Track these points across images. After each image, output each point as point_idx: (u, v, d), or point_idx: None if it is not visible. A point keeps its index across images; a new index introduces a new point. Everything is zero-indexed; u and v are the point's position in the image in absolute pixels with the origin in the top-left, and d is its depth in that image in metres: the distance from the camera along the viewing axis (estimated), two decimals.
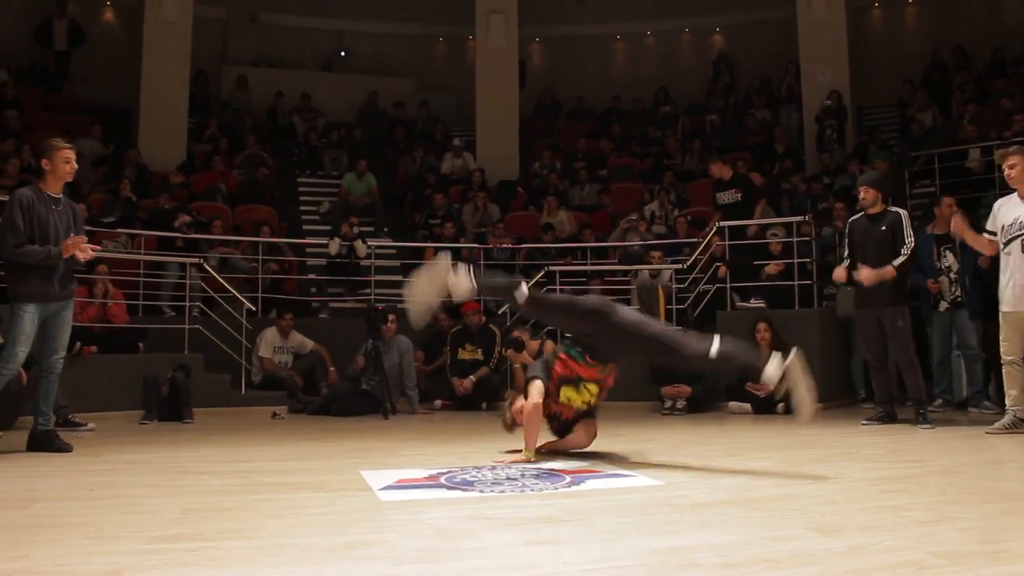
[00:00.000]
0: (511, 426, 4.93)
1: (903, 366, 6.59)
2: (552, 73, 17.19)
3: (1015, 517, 3.07)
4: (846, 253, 6.86)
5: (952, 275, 7.58)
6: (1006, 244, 5.72)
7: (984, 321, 7.49)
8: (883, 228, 6.55)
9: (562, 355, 4.74)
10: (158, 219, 9.99)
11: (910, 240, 6.47)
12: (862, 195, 6.75)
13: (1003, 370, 5.86)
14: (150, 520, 3.09)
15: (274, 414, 7.88)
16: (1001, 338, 5.82)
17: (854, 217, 6.97)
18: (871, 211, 6.69)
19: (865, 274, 6.45)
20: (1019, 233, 5.63)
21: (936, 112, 12.69)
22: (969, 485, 3.80)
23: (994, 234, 5.85)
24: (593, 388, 4.76)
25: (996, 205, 5.94)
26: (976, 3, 15.02)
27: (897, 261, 6.42)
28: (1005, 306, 5.74)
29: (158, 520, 3.09)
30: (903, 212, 6.66)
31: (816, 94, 13.36)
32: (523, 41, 15.40)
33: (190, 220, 9.89)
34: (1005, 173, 5.79)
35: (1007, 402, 5.84)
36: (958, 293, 7.56)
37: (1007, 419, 5.78)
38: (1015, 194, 5.79)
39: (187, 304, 8.62)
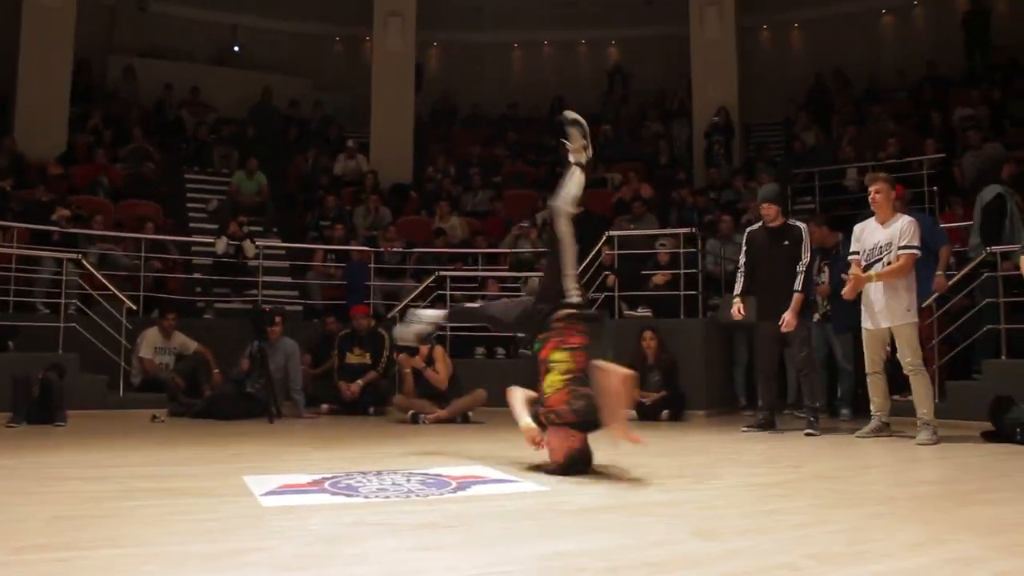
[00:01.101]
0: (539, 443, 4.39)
1: (804, 372, 6.81)
2: (449, 78, 17.20)
3: (880, 519, 3.22)
4: (742, 261, 7.04)
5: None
6: (867, 267, 6.14)
7: (854, 334, 7.85)
8: (786, 243, 6.74)
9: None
10: (33, 211, 9.54)
11: (806, 256, 6.68)
12: (764, 210, 6.93)
13: (868, 380, 6.31)
14: (15, 529, 2.94)
15: (154, 417, 7.62)
16: (865, 353, 6.25)
17: (753, 228, 7.14)
18: (771, 225, 6.90)
19: (789, 320, 6.56)
20: (878, 257, 6.10)
21: (818, 132, 13.23)
22: (841, 489, 3.96)
23: (856, 253, 6.28)
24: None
25: (858, 228, 6.36)
26: (854, 33, 15.78)
27: (798, 285, 6.61)
28: (866, 323, 6.17)
29: (23, 529, 2.94)
30: (804, 227, 6.84)
31: (706, 109, 13.76)
32: (421, 45, 15.37)
33: (69, 214, 9.47)
34: (870, 196, 6.19)
35: (872, 408, 6.23)
36: (828, 307, 7.91)
37: (873, 424, 6.19)
38: (873, 219, 6.23)
39: (63, 301, 8.26)
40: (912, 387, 5.96)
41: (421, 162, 14.23)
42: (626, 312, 9.14)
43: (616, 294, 9.09)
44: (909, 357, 5.92)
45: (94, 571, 2.41)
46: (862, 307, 6.17)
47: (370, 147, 14.06)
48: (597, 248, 9.35)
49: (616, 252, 9.31)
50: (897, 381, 6.41)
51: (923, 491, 4.07)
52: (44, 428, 6.79)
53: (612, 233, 9.49)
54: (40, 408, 7.05)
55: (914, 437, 5.87)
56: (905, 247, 5.96)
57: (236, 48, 16.65)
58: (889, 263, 5.99)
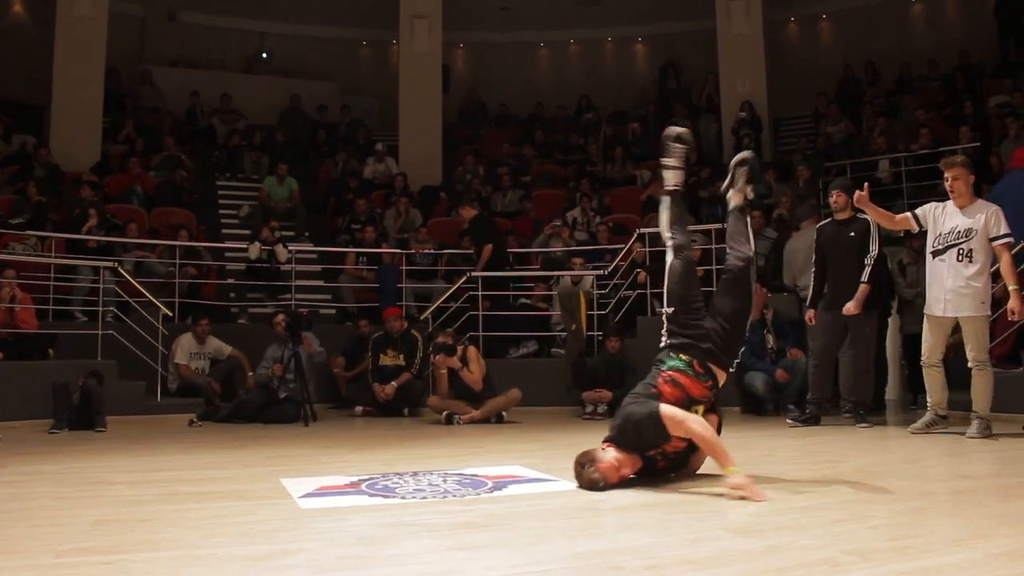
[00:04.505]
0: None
1: (860, 369, 6.78)
2: (476, 79, 17.23)
3: (922, 514, 3.18)
4: (813, 259, 7.00)
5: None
6: (941, 250, 5.90)
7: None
8: (852, 234, 6.72)
9: (668, 373, 3.96)
10: (70, 222, 9.69)
11: (874, 250, 6.65)
12: (833, 199, 6.90)
13: (924, 372, 6.11)
14: (60, 533, 2.99)
15: (191, 422, 7.69)
16: (924, 341, 6.04)
17: (823, 223, 7.12)
18: (839, 216, 6.87)
19: (850, 307, 6.58)
20: (956, 242, 5.82)
21: (848, 124, 13.10)
22: (880, 484, 3.91)
23: (917, 221, 6.05)
24: (701, 410, 3.99)
25: (933, 205, 6.07)
26: (885, 23, 15.59)
27: (865, 276, 6.60)
28: (933, 311, 5.94)
29: (68, 533, 2.99)
30: (872, 219, 6.82)
31: (735, 104, 13.67)
32: (447, 47, 15.39)
33: (95, 223, 9.54)
34: (948, 184, 5.93)
35: (928, 401, 6.07)
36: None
37: (928, 417, 6.04)
38: (951, 202, 5.96)
39: (100, 309, 8.37)
40: (973, 382, 5.82)
41: (450, 163, 14.26)
42: (659, 309, 9.07)
43: (648, 291, 9.05)
44: (975, 352, 5.76)
45: (138, 574, 2.45)
46: (927, 291, 6.00)
47: (399, 150, 14.11)
48: (628, 245, 9.34)
49: (647, 249, 9.28)
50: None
51: (964, 486, 4.02)
52: (85, 434, 6.89)
53: (643, 230, 9.46)
54: (80, 414, 7.15)
55: (964, 432, 5.79)
56: (1002, 236, 5.71)
57: (264, 55, 16.79)
58: (970, 250, 5.75)
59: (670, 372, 3.96)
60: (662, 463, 3.89)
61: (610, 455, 3.79)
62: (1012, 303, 5.65)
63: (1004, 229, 5.72)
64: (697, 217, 11.03)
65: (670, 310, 4.23)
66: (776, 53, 14.93)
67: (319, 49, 16.85)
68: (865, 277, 6.60)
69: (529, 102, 16.60)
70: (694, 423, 3.76)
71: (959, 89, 13.02)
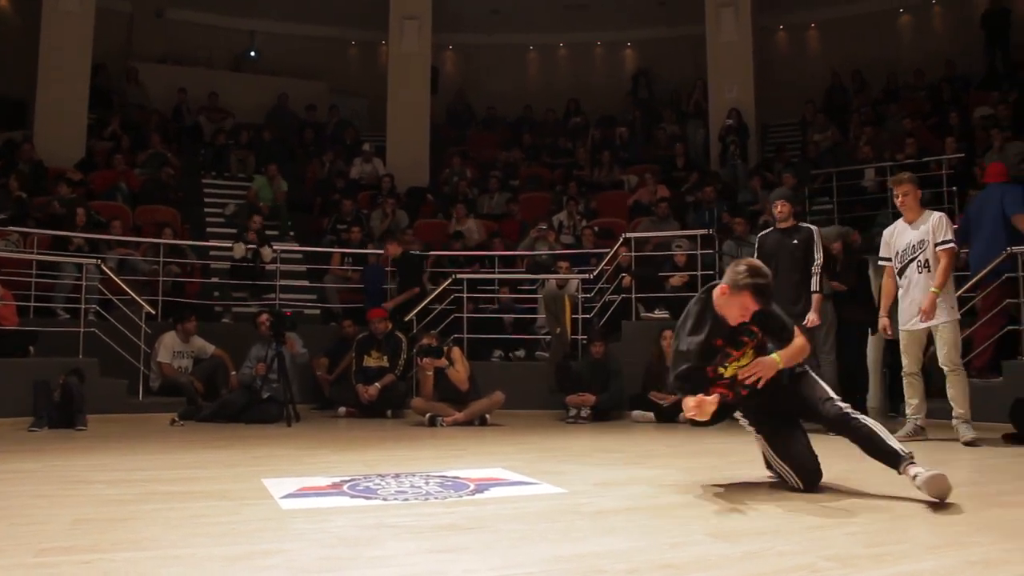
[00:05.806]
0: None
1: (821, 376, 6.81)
2: (464, 81, 17.24)
3: (900, 521, 3.21)
4: None
5: None
6: (903, 269, 6.05)
7: None
8: (795, 242, 6.75)
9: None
10: (53, 218, 9.64)
11: (819, 256, 6.70)
12: (777, 209, 6.94)
13: (904, 381, 6.20)
14: (39, 532, 2.97)
15: (173, 421, 7.64)
16: (903, 355, 6.14)
17: (764, 232, 7.15)
18: (782, 225, 6.90)
19: (812, 318, 6.60)
20: (913, 255, 5.98)
21: (835, 132, 13.18)
22: (859, 491, 3.94)
23: (888, 260, 6.19)
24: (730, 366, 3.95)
25: (887, 233, 6.27)
26: (873, 33, 15.69)
27: (815, 285, 6.64)
28: (906, 324, 6.05)
29: (48, 532, 2.98)
30: (815, 228, 6.88)
31: (723, 111, 13.72)
32: (436, 48, 15.40)
33: (83, 221, 9.49)
34: (898, 200, 6.11)
35: (908, 411, 6.14)
36: None
37: (909, 427, 6.09)
38: (901, 220, 6.16)
39: (82, 306, 8.32)
40: (949, 385, 5.90)
41: (437, 165, 14.25)
42: (643, 314, 9.13)
43: (633, 296, 9.07)
44: (951, 356, 5.84)
45: (117, 573, 2.44)
46: (900, 308, 6.07)
47: (386, 150, 14.09)
48: (614, 250, 9.36)
49: (633, 253, 9.31)
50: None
51: None
52: (65, 432, 6.84)
53: (629, 235, 9.49)
54: (61, 412, 7.09)
55: (947, 441, 5.82)
56: (942, 243, 5.85)
57: (253, 53, 16.75)
58: (926, 260, 5.90)
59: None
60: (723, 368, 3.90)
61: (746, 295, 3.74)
62: (926, 303, 5.81)
63: (947, 235, 5.89)
64: (683, 223, 11.07)
65: None
66: (764, 60, 15.00)
67: (308, 48, 16.80)
68: (815, 287, 6.65)
69: (517, 105, 16.62)
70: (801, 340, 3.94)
71: (945, 99, 13.12)
